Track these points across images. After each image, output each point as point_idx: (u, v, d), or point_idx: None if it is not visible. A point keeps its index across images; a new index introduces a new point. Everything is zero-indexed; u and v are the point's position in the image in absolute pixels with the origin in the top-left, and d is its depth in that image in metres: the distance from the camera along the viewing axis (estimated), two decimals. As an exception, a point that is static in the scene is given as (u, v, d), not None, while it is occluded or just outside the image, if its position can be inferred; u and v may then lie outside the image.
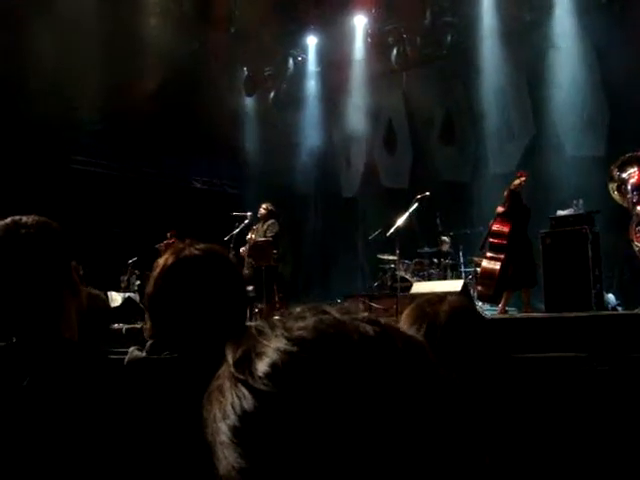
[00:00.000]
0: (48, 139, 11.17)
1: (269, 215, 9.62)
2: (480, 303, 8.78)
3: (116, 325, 7.34)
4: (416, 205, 8.61)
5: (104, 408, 1.29)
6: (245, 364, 0.53)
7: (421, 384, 0.52)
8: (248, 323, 1.77)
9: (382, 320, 0.56)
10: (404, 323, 1.40)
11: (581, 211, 7.80)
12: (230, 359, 0.55)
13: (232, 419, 0.52)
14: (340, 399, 0.49)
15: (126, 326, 7.19)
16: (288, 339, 0.53)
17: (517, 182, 7.91)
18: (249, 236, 9.56)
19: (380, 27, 13.13)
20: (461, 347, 1.35)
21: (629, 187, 6.49)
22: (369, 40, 13.33)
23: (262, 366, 0.52)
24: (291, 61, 14.45)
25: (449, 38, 12.16)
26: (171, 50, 12.40)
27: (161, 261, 1.57)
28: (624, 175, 6.58)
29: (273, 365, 0.51)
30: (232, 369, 0.54)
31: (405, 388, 0.51)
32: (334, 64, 13.94)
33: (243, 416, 0.51)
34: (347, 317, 0.55)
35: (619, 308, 8.49)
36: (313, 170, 14.16)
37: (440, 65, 12.64)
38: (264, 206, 9.67)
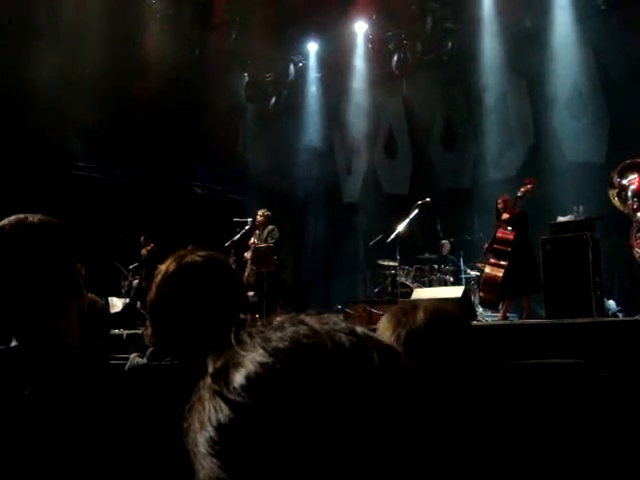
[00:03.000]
0: (49, 145, 11.19)
1: (267, 221, 9.62)
2: (481, 309, 8.79)
3: (117, 331, 7.33)
4: (417, 211, 8.63)
5: (106, 415, 1.28)
6: (222, 375, 0.53)
7: (396, 394, 0.52)
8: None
9: (360, 330, 0.56)
10: (381, 334, 1.37)
11: (581, 217, 7.79)
12: (210, 369, 0.55)
13: (209, 430, 0.52)
14: (314, 410, 0.49)
15: (127, 332, 7.18)
16: (264, 349, 0.53)
17: (523, 189, 7.89)
18: (252, 240, 9.56)
19: (381, 33, 13.16)
20: (443, 353, 1.32)
21: (629, 193, 6.48)
22: (370, 46, 13.36)
23: (238, 377, 0.52)
24: (292, 67, 14.48)
25: (450, 44, 12.17)
26: (172, 56, 12.45)
27: (163, 267, 1.57)
28: (624, 181, 6.57)
29: (248, 376, 0.52)
30: (209, 380, 0.54)
31: (379, 398, 0.50)
32: (335, 70, 13.97)
33: (219, 428, 0.51)
34: (325, 327, 0.55)
35: (620, 314, 8.49)
36: (314, 176, 14.17)
37: (441, 71, 12.66)
38: (260, 213, 9.66)
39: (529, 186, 7.92)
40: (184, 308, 1.50)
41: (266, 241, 9.39)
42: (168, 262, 1.57)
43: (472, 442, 1.13)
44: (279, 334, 0.54)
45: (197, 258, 1.56)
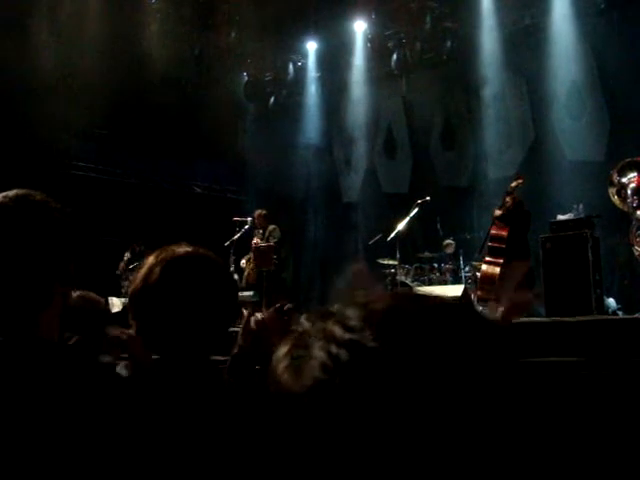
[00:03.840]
0: (48, 145, 11.18)
1: (267, 221, 9.61)
2: (481, 308, 8.78)
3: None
4: (416, 210, 8.62)
5: (83, 417, 1.18)
6: (335, 320, 0.53)
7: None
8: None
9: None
10: None
11: (581, 215, 7.79)
12: (312, 319, 0.55)
13: (325, 377, 0.50)
14: (447, 354, 0.50)
15: (127, 331, 7.17)
16: (391, 297, 0.54)
17: (514, 184, 7.88)
18: (255, 240, 9.55)
19: (380, 32, 13.16)
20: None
21: (629, 191, 6.49)
22: (369, 45, 13.35)
23: (355, 321, 0.52)
24: (291, 66, 14.46)
25: (449, 43, 12.17)
26: (172, 56, 12.44)
27: (147, 261, 1.57)
28: (624, 180, 6.58)
29: (384, 315, 0.51)
30: (321, 324, 0.53)
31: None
32: (334, 69, 13.97)
33: (338, 371, 0.49)
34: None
35: (619, 312, 8.49)
36: (313, 175, 14.17)
37: (440, 70, 12.66)
38: (258, 213, 9.65)
39: (520, 181, 7.91)
40: (166, 302, 1.49)
41: (268, 240, 9.39)
42: (152, 256, 1.56)
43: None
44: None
45: (179, 251, 1.55)
